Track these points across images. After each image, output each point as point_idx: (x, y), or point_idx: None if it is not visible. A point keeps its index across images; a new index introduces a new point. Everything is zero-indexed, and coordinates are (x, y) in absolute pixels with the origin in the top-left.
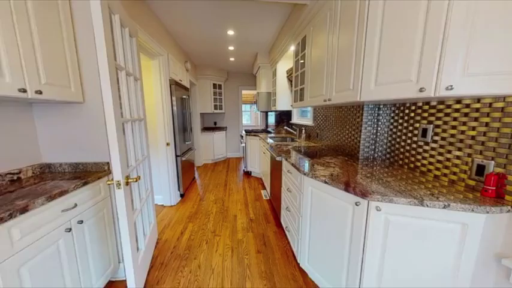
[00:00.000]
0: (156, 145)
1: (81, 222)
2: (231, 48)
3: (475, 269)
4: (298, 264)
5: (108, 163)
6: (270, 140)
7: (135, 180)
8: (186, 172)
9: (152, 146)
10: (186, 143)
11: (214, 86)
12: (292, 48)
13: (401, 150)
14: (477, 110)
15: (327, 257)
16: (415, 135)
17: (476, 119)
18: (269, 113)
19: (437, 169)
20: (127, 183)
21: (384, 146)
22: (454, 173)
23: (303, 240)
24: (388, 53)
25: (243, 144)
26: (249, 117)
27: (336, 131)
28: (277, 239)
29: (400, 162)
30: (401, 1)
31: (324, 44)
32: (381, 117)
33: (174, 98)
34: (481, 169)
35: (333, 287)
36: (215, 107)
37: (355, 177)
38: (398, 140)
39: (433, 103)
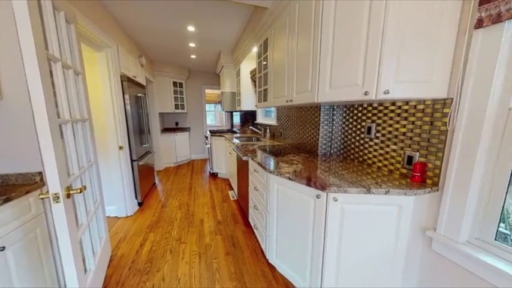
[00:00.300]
0: (107, 149)
1: (2, 248)
2: (192, 45)
3: (408, 241)
4: (267, 260)
5: (40, 173)
6: (235, 140)
7: (79, 191)
8: (145, 178)
9: (101, 151)
10: (144, 145)
11: (175, 84)
12: (255, 49)
13: (352, 146)
14: (406, 111)
15: (293, 248)
16: (362, 133)
17: (406, 118)
18: (234, 113)
19: (380, 161)
20: (68, 196)
21: (338, 143)
22: (392, 164)
23: (270, 236)
24: (339, 57)
25: (208, 145)
26: (214, 117)
27: (298, 130)
28: (246, 238)
29: (352, 156)
30: (348, 5)
31: (285, 48)
32: (335, 117)
33: (127, 96)
34: (410, 159)
35: (298, 276)
36: (176, 107)
37: (315, 172)
38: (349, 137)
39: (375, 105)
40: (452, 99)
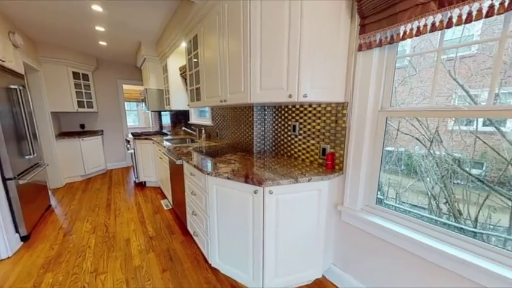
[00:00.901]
0: None
1: None
2: (100, 28)
3: (326, 217)
4: (210, 266)
5: None
6: (166, 143)
7: None
8: (32, 201)
9: None
10: (27, 157)
11: (76, 75)
12: (184, 44)
13: (282, 142)
14: (319, 111)
15: (235, 246)
16: (289, 130)
17: (319, 118)
18: (163, 113)
19: (303, 154)
20: None
21: (271, 140)
22: (312, 156)
23: (212, 240)
24: (267, 60)
25: (131, 151)
26: (137, 117)
27: (234, 129)
28: (185, 247)
29: (282, 152)
30: (272, 5)
31: (216, 47)
32: (266, 117)
33: None
34: (324, 151)
35: (241, 271)
36: (80, 104)
37: (252, 170)
38: (279, 135)
39: (298, 106)
40: (348, 103)
